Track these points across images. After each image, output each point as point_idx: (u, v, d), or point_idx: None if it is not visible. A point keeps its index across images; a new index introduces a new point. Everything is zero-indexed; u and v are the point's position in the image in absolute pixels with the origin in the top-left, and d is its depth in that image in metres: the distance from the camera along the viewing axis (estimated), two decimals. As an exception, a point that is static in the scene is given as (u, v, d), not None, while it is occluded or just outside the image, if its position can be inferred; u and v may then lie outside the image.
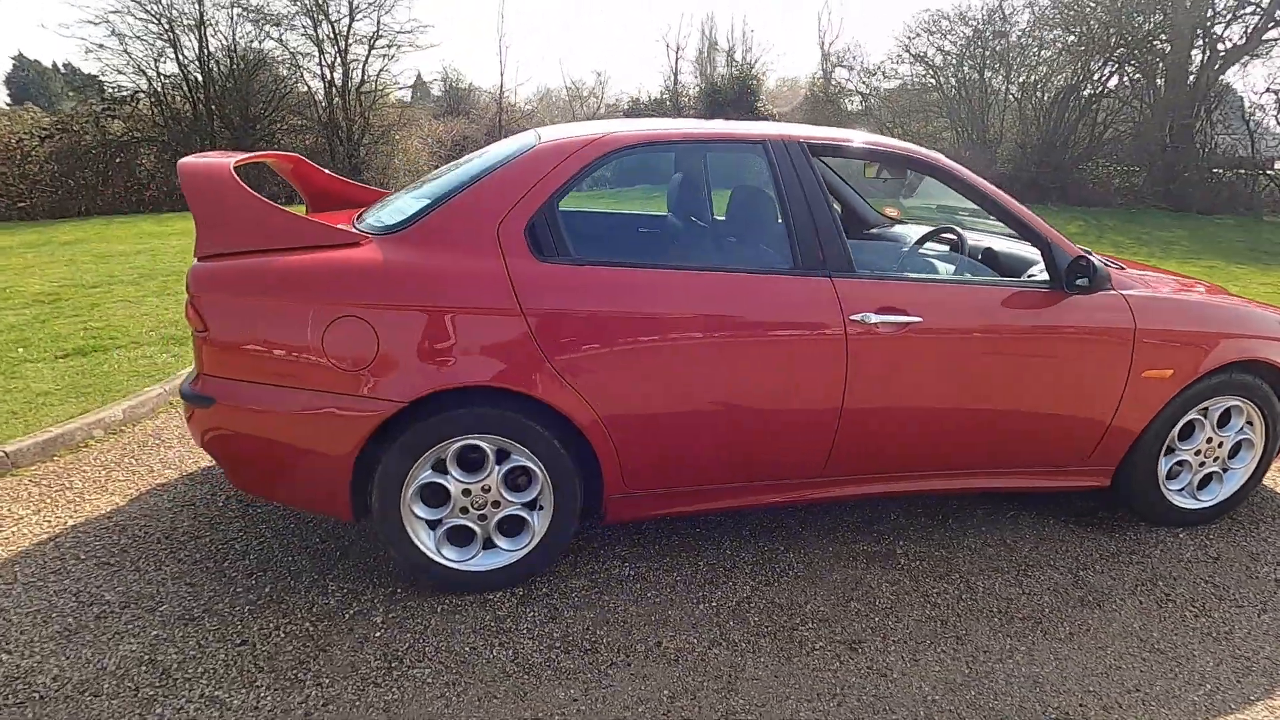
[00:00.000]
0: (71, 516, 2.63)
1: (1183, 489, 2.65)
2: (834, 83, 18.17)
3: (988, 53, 15.29)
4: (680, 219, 3.04)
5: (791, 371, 2.20)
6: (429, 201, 2.20)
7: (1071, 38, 14.63)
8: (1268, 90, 14.56)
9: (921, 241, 3.03)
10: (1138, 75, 14.74)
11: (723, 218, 2.93)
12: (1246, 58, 13.91)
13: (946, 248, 2.96)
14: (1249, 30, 13.48)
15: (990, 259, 2.70)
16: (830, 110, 17.32)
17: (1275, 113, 15.16)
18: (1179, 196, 13.42)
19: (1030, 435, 2.44)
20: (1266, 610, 2.23)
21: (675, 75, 19.82)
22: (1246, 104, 14.89)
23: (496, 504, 2.16)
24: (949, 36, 15.65)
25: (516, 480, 2.18)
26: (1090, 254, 2.43)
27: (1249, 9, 13.30)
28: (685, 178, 3.07)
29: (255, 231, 2.07)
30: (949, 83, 15.86)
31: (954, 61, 15.65)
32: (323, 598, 2.19)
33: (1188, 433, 2.59)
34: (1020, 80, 15.03)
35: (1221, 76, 14.25)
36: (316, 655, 1.96)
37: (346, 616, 2.12)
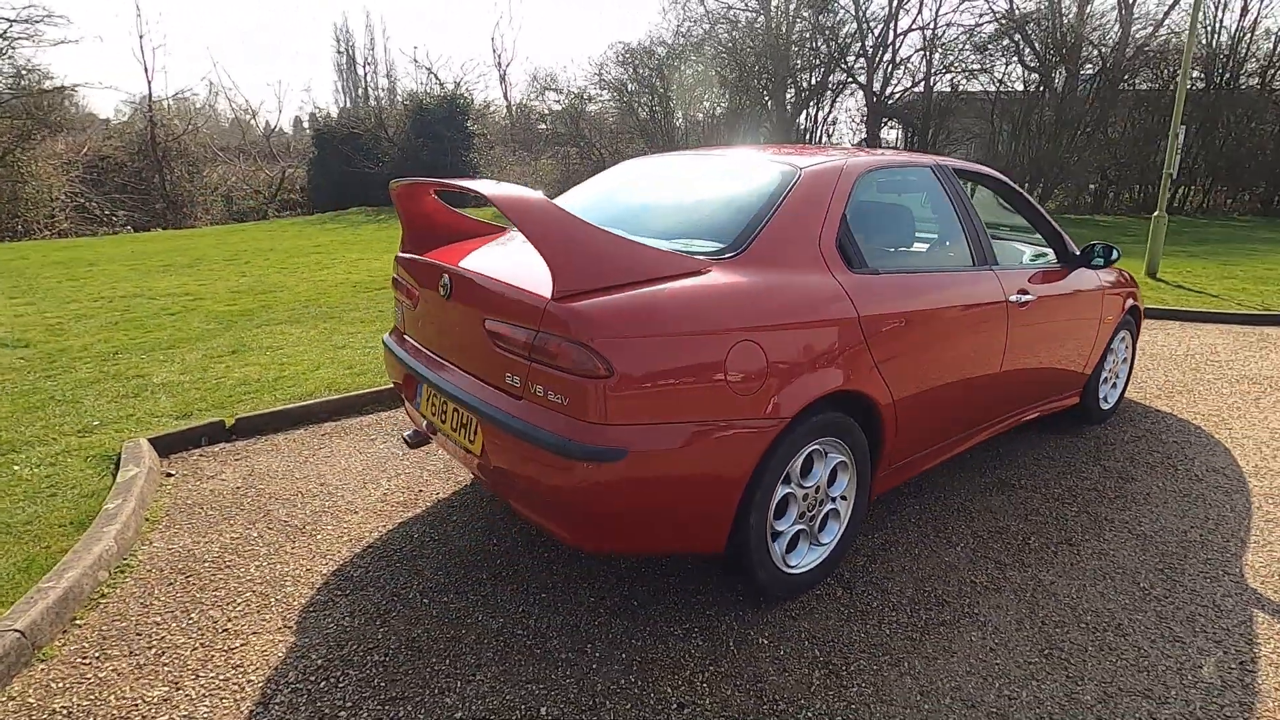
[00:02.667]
0: None
1: (1113, 387, 3.96)
2: (540, 104, 19.01)
3: (671, 86, 17.65)
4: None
5: (988, 339, 2.80)
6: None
7: (733, 75, 17.78)
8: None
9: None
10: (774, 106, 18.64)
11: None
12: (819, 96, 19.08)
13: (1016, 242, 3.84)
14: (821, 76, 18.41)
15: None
16: (526, 129, 18.19)
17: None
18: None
19: (1066, 366, 3.40)
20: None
21: (367, 91, 18.59)
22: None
23: (820, 503, 2.32)
24: (638, 68, 17.64)
25: (834, 476, 2.36)
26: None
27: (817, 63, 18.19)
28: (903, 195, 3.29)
29: (611, 266, 1.92)
30: (642, 109, 17.90)
31: (645, 89, 17.71)
32: (691, 641, 2.11)
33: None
34: (709, 107, 17.71)
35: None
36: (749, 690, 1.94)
37: (734, 650, 2.09)
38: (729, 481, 2.00)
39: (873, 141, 20.91)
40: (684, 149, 17.22)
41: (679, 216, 2.49)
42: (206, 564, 2.51)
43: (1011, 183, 3.30)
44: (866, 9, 19.19)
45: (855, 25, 19.41)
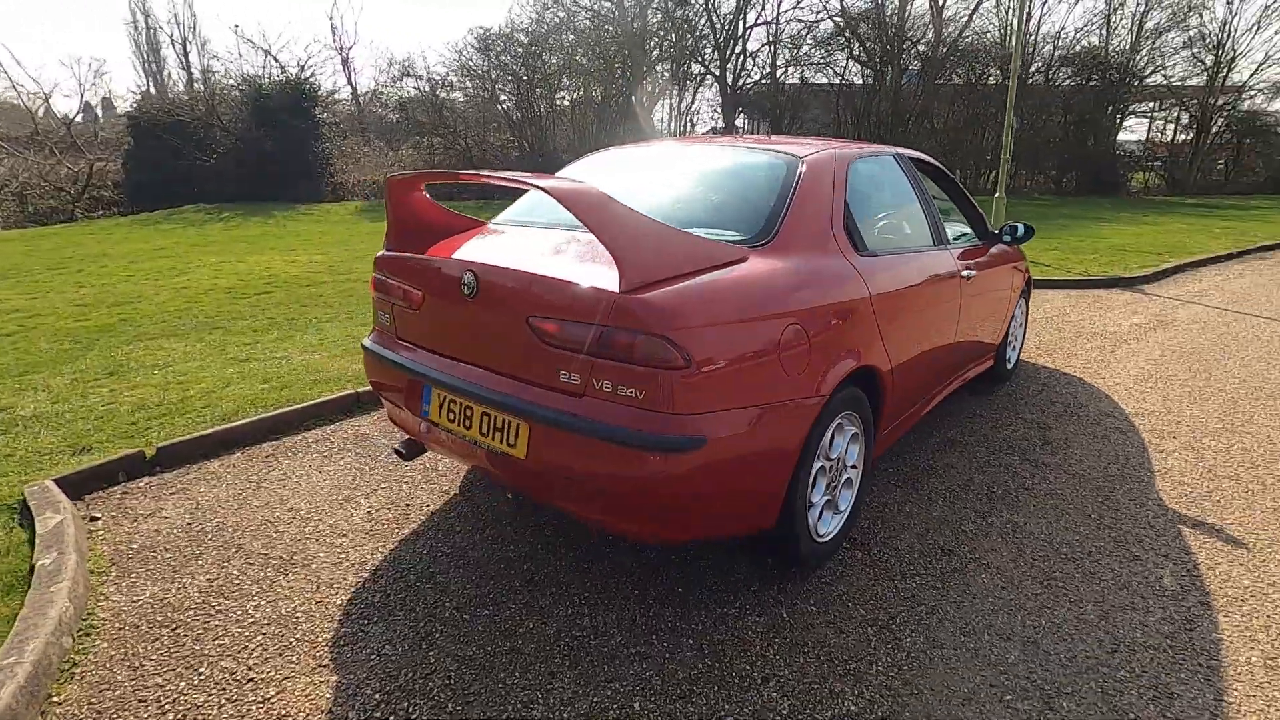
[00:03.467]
0: None
1: (1013, 349, 4.46)
2: (397, 91, 17.95)
3: (535, 74, 17.36)
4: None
5: (948, 309, 3.09)
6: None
7: (596, 64, 17.81)
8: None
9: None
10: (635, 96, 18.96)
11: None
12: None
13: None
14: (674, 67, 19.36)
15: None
16: (382, 118, 17.19)
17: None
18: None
19: (989, 331, 3.80)
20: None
21: (190, 74, 16.68)
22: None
23: (839, 473, 2.46)
24: (500, 55, 17.17)
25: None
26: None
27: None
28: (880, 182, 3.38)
29: (671, 256, 1.92)
30: (507, 97, 17.48)
31: (510, 77, 17.29)
32: (753, 616, 2.18)
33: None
34: (573, 96, 17.57)
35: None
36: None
37: (791, 623, 2.18)
38: (785, 459, 2.08)
39: (730, 130, 21.87)
40: (561, 138, 16.92)
41: (693, 207, 2.51)
42: (190, 612, 2.22)
43: (943, 167, 3.63)
44: (717, 4, 19.94)
45: (707, 18, 20.12)
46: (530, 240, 2.46)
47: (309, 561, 2.48)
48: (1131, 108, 22.11)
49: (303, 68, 17.84)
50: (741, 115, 21.47)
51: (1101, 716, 1.82)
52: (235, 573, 2.42)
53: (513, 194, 3.05)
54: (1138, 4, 21.68)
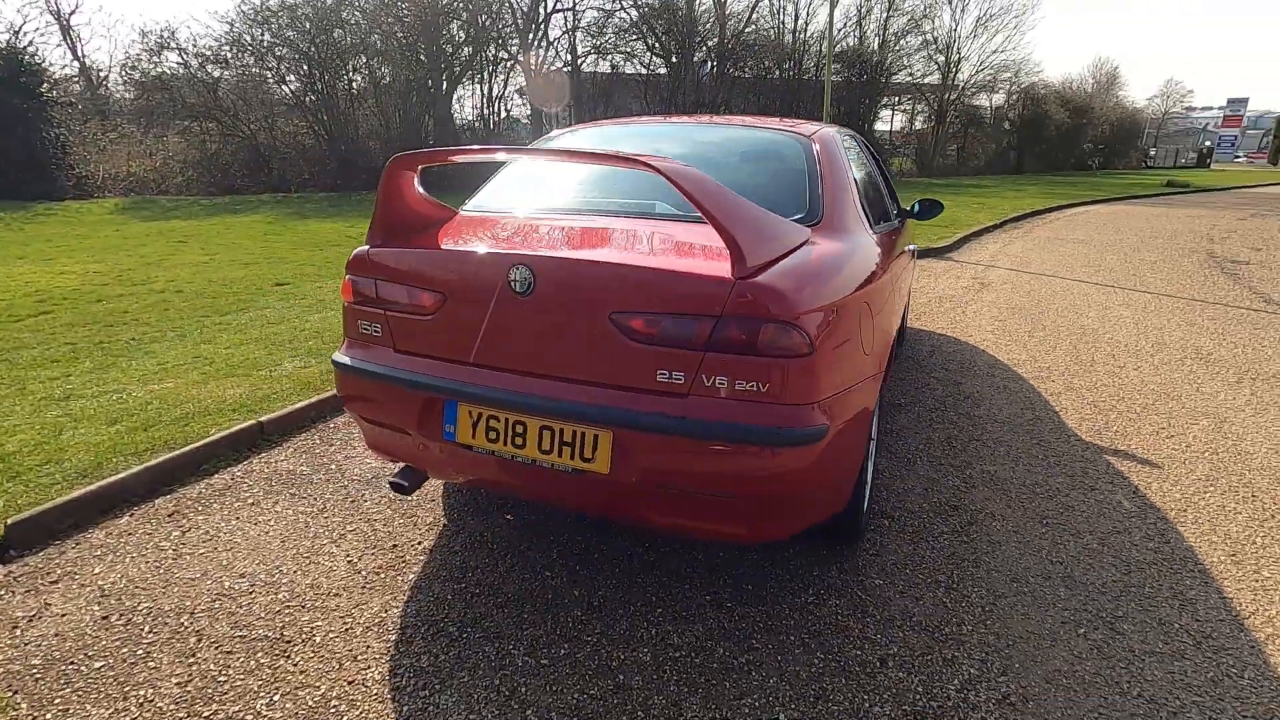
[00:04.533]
0: None
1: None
2: (155, 67, 15.15)
3: (326, 52, 15.67)
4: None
5: (905, 280, 3.30)
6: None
7: (399, 39, 16.51)
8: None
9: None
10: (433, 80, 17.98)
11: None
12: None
13: None
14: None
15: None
16: (163, 96, 14.49)
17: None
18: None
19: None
20: (970, 363, 4.58)
21: None
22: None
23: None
24: (286, 31, 15.24)
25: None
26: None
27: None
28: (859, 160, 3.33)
29: (770, 239, 1.80)
30: (293, 78, 15.59)
31: (297, 56, 15.42)
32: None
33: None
34: (373, 79, 16.10)
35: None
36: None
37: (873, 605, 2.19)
38: (866, 437, 2.07)
39: (537, 118, 21.53)
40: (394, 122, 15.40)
41: (738, 188, 2.37)
42: (177, 730, 1.70)
43: (870, 146, 3.84)
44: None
45: (506, 2, 19.55)
46: (565, 227, 2.18)
47: (309, 635, 2.01)
48: (885, 100, 25.40)
49: (17, 34, 14.42)
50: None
51: (1157, 631, 2.05)
52: (214, 668, 1.89)
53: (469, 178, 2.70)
54: (881, 10, 24.90)
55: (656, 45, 22.56)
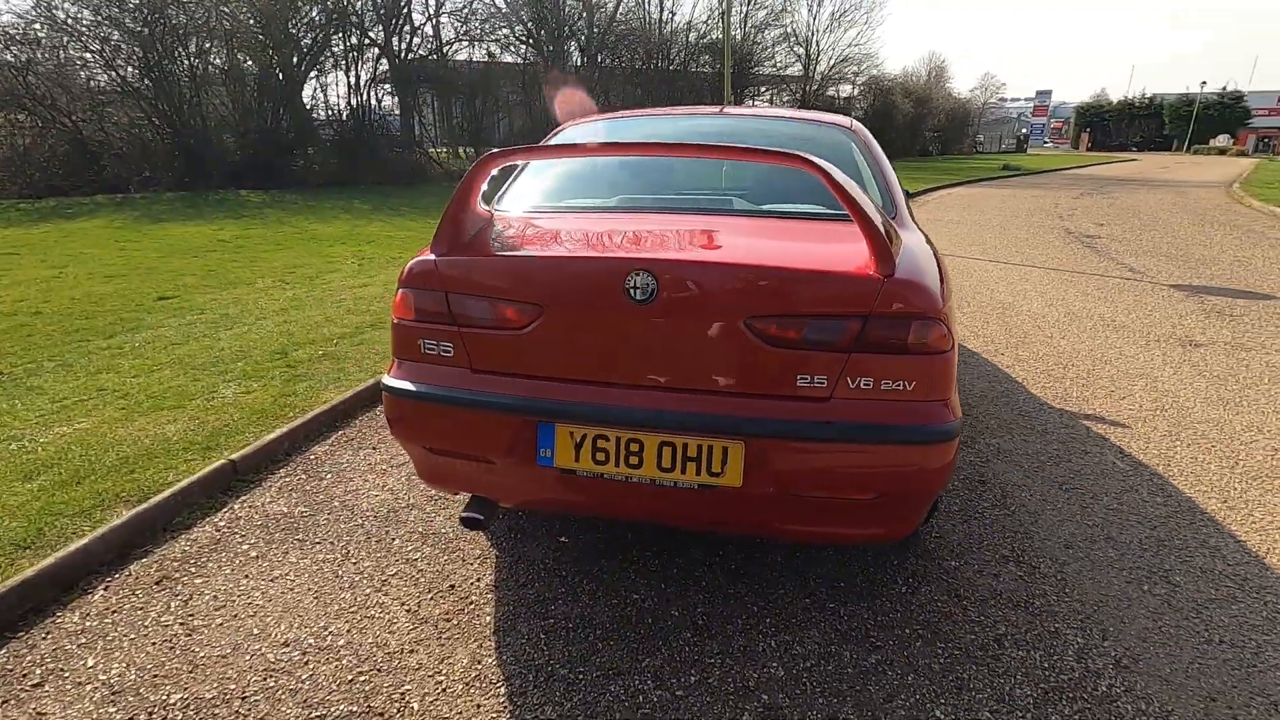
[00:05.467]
0: None
1: None
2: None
3: (162, 32, 13.89)
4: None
5: None
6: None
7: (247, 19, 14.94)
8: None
9: None
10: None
11: None
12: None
13: None
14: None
15: None
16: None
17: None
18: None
19: None
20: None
21: None
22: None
23: None
24: (110, 7, 13.32)
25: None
26: None
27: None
28: None
29: (888, 234, 1.75)
30: (124, 62, 13.69)
31: (126, 35, 13.53)
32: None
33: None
34: (220, 64, 14.45)
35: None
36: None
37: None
38: None
39: (405, 105, 20.36)
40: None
41: (788, 182, 2.29)
42: (293, 844, 1.42)
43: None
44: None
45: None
46: (672, 227, 2.02)
47: (403, 703, 1.76)
48: (750, 91, 26.38)
49: None
50: (427, 90, 20.14)
51: (1208, 579, 2.25)
52: (303, 759, 1.61)
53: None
54: (743, 4, 25.80)
55: (525, 34, 22.05)
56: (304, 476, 2.89)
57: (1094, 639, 1.98)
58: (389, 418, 2.00)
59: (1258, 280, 6.71)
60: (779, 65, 25.15)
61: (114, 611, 2.09)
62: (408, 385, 1.92)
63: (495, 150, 1.82)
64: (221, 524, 2.54)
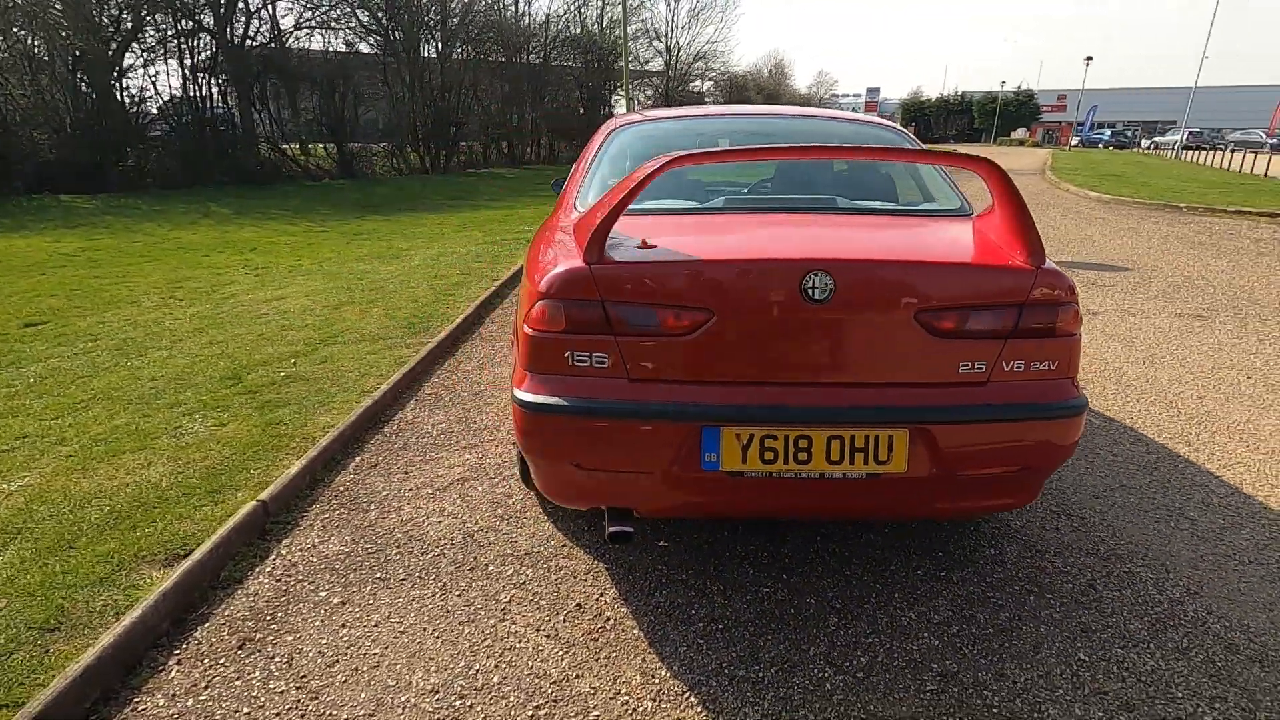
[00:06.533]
0: None
1: None
2: None
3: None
4: None
5: None
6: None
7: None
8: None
9: None
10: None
11: None
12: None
13: None
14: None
15: None
16: None
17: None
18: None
19: None
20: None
21: None
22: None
23: None
24: None
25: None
26: None
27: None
28: None
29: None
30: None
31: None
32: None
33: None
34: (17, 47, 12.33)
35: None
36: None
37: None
38: None
39: (245, 97, 18.49)
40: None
41: (865, 181, 2.39)
42: None
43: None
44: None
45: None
46: (818, 227, 2.05)
47: (600, 730, 1.68)
48: (618, 85, 26.65)
49: None
50: (271, 82, 18.38)
51: (1214, 512, 2.63)
52: (529, 808, 1.50)
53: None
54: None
55: (373, 22, 20.76)
56: (344, 511, 2.62)
57: (1162, 573, 2.28)
58: (525, 434, 1.88)
59: (1108, 255, 7.83)
60: (642, 60, 25.60)
61: (205, 687, 1.81)
62: (555, 400, 1.81)
63: (680, 154, 1.75)
64: (278, 573, 2.26)
